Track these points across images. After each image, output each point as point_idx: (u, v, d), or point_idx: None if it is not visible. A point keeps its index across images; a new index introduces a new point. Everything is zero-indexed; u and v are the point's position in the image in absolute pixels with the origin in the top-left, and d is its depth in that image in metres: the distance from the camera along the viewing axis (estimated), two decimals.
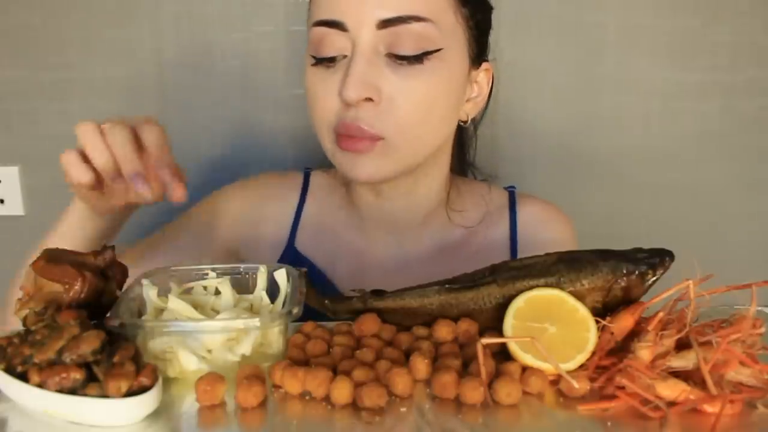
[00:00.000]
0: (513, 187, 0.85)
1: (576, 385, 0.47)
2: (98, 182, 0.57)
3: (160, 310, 0.54)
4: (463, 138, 0.84)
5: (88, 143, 0.55)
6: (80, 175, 0.56)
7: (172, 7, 0.99)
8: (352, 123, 0.66)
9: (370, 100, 0.65)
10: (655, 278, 0.54)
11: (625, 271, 0.53)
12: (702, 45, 1.03)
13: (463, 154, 0.86)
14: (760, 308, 0.51)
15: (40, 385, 0.43)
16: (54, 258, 0.52)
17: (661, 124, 1.06)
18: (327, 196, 0.83)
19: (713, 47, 1.03)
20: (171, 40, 1.00)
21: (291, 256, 0.81)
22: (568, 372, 0.48)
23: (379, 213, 0.78)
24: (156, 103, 1.01)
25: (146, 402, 0.44)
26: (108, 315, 0.50)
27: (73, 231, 0.65)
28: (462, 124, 0.75)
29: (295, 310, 0.51)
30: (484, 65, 0.74)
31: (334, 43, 0.66)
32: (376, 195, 0.77)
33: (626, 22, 1.02)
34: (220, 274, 0.58)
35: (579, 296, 0.52)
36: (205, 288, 0.57)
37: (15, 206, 1.06)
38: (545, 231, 0.81)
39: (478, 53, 0.72)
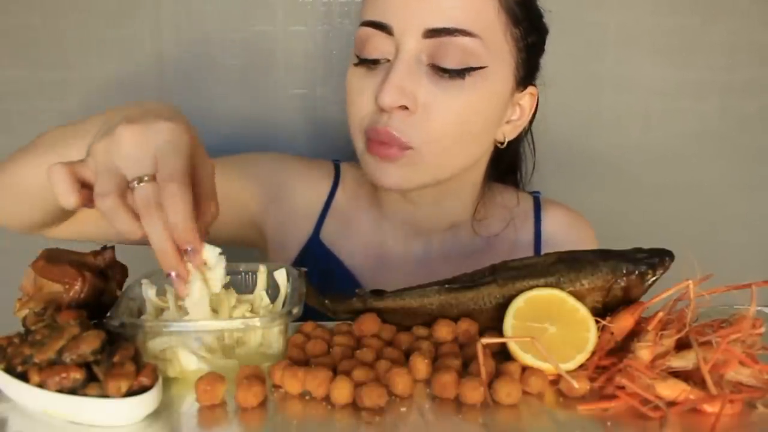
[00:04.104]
0: (538, 192, 0.85)
1: (576, 385, 0.47)
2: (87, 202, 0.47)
3: (160, 310, 0.54)
4: (516, 153, 0.83)
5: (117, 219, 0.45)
6: (67, 195, 0.46)
7: (172, 7, 0.99)
8: (384, 129, 0.65)
9: (405, 108, 0.64)
10: (655, 278, 0.54)
11: (625, 271, 0.53)
12: (701, 44, 1.03)
13: (514, 168, 0.85)
14: (760, 308, 0.51)
15: (40, 385, 0.43)
16: (54, 258, 0.53)
17: (660, 123, 1.06)
18: (357, 189, 0.82)
19: (712, 46, 1.03)
20: (171, 40, 1.00)
21: (315, 246, 0.80)
22: (568, 372, 0.48)
23: (405, 216, 0.78)
24: None
25: (146, 402, 0.44)
26: (108, 315, 0.50)
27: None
28: (498, 145, 0.74)
29: (295, 310, 0.51)
30: (530, 89, 0.73)
31: (378, 45, 0.66)
32: (403, 199, 0.76)
33: (626, 21, 1.02)
34: None
35: (579, 296, 0.52)
36: None
37: None
38: (569, 238, 0.81)
39: (525, 76, 0.71)
